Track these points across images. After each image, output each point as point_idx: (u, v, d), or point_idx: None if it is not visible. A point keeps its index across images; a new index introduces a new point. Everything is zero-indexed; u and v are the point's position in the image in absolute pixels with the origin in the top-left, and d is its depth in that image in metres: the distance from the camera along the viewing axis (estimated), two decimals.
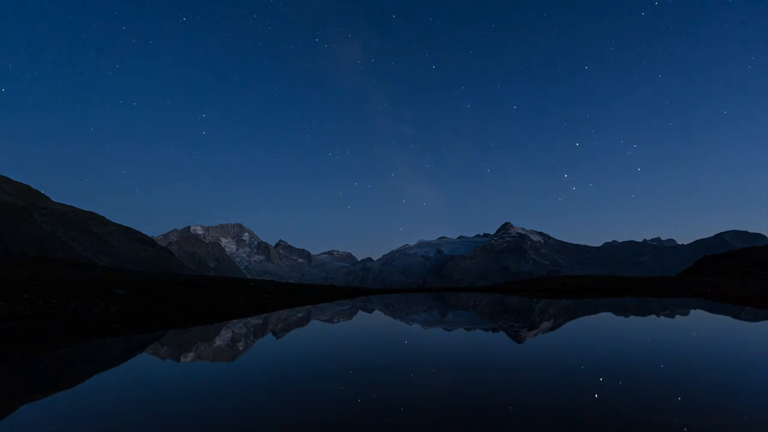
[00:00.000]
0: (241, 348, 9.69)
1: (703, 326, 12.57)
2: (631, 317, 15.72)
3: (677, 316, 15.90)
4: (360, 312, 21.13)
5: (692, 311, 18.31)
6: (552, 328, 12.54)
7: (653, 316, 15.75)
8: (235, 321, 17.39)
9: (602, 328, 12.19)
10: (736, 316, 15.75)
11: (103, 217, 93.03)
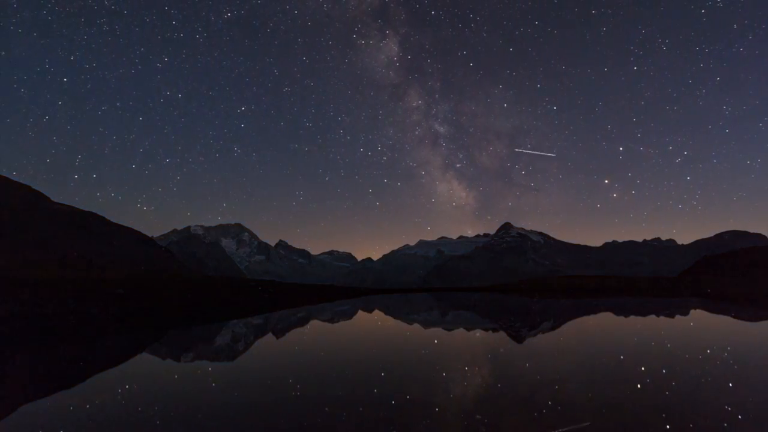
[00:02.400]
0: (240, 348, 9.69)
1: (703, 327, 12.57)
2: (632, 317, 15.71)
3: (677, 317, 15.90)
4: (360, 312, 21.13)
5: (692, 311, 18.29)
6: (552, 329, 12.54)
7: (653, 316, 15.75)
8: (236, 321, 17.38)
9: (602, 329, 12.19)
10: (736, 317, 15.75)
11: (103, 217, 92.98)
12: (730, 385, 5.22)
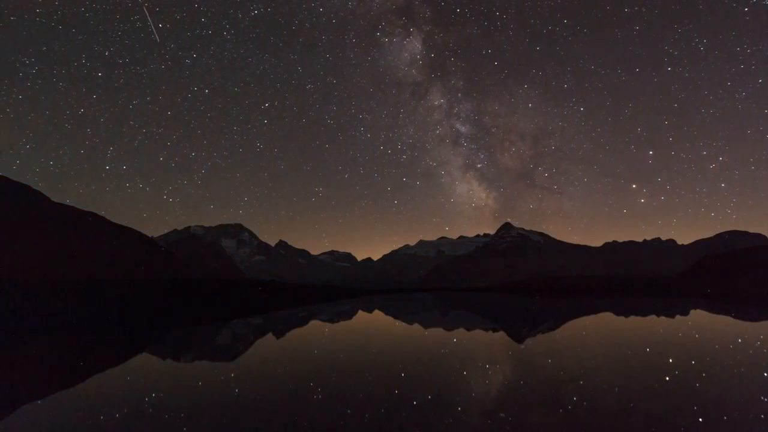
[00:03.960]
0: (241, 349, 9.69)
1: (703, 327, 12.56)
2: (632, 318, 15.71)
3: (677, 317, 15.89)
4: (360, 312, 21.13)
5: (692, 312, 18.29)
6: (552, 329, 12.54)
7: (653, 317, 15.75)
8: (236, 321, 17.39)
9: (602, 329, 12.19)
10: (736, 317, 15.74)
11: (104, 217, 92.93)
12: (730, 385, 5.22)
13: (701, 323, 13.64)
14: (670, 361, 6.88)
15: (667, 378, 5.64)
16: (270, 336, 12.12)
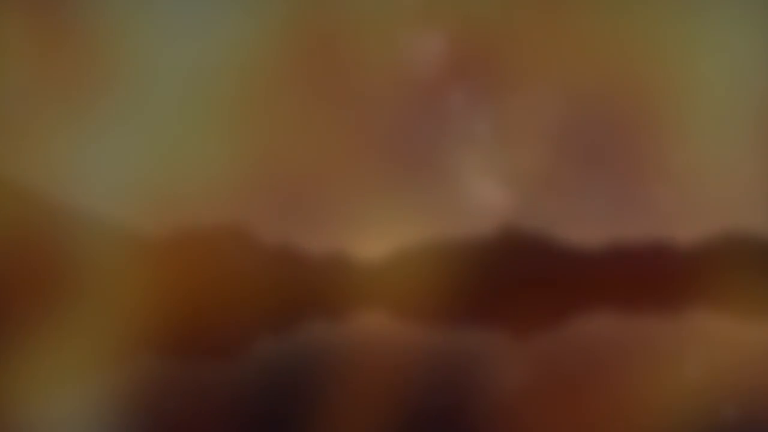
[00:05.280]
0: (240, 349, 9.76)
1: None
2: (632, 317, 15.84)
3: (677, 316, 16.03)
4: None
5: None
6: (552, 328, 12.63)
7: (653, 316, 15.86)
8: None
9: (602, 329, 12.28)
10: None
11: None
12: (731, 384, 5.27)
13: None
14: (671, 359, 6.94)
15: (668, 377, 5.69)
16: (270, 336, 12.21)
